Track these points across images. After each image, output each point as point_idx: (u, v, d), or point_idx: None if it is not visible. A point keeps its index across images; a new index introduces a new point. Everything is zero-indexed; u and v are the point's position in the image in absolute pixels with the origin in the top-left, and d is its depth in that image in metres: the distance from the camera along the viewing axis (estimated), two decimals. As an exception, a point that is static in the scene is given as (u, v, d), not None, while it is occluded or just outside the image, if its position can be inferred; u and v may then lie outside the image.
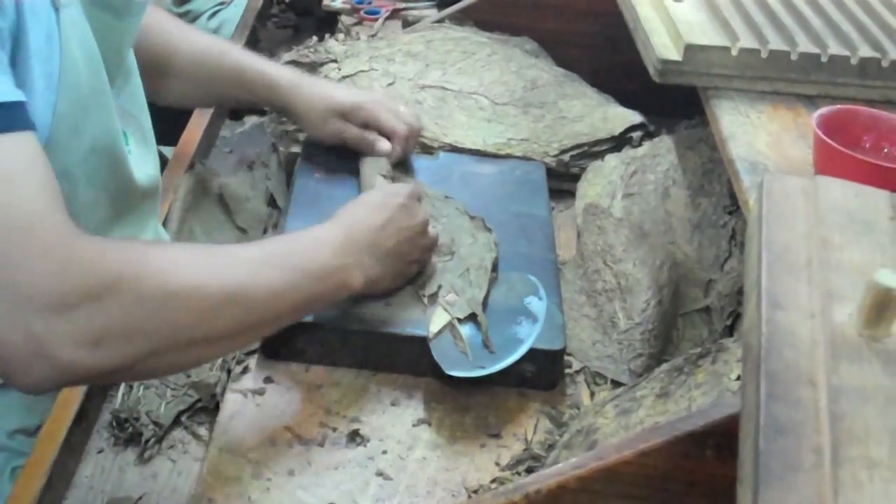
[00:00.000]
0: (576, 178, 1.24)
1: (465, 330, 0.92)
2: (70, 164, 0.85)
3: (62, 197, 0.71)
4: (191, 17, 1.77)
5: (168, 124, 1.16)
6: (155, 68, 1.07)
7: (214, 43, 1.15)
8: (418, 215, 0.95)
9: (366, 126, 1.13)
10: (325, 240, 0.86)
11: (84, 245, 0.69)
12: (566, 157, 1.25)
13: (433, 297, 0.94)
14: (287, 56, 1.38)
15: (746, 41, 1.01)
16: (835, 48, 1.00)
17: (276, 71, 1.14)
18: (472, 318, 0.93)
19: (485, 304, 0.95)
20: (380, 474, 0.82)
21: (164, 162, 1.12)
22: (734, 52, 1.00)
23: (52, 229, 0.68)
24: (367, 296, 0.92)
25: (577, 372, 0.97)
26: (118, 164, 0.92)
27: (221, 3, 1.80)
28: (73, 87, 0.82)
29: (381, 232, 0.90)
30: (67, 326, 0.67)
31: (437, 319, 0.92)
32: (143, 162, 0.98)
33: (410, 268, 0.95)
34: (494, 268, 0.99)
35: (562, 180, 1.25)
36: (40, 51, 0.78)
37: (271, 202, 1.20)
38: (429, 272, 0.98)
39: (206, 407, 0.90)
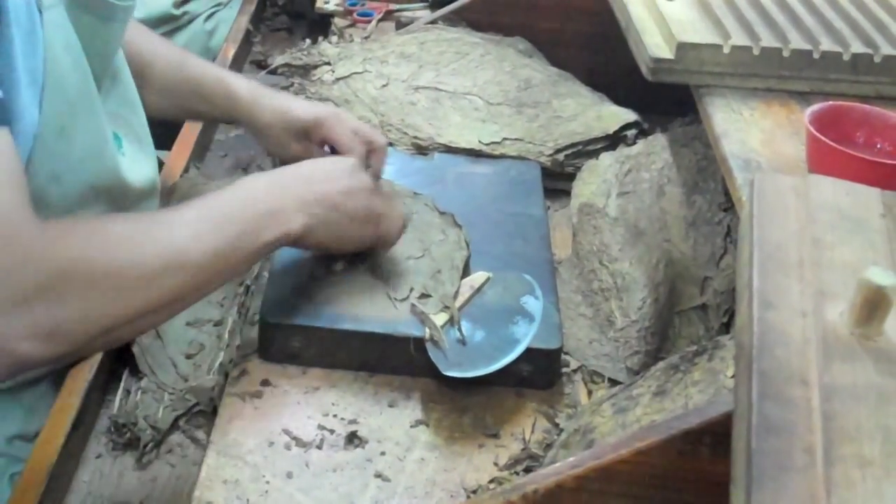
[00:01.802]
0: (571, 177, 1.24)
1: (465, 327, 0.92)
2: (59, 168, 0.85)
3: (27, 191, 0.72)
4: (188, 19, 1.76)
5: (163, 128, 1.16)
6: (135, 79, 1.06)
7: (177, 54, 1.13)
8: (361, 179, 0.92)
9: (324, 144, 1.11)
10: (258, 185, 0.85)
11: (38, 236, 0.70)
12: (561, 157, 1.26)
13: (405, 299, 0.94)
14: (280, 59, 1.38)
15: (738, 39, 1.01)
16: (827, 44, 1.01)
17: (235, 82, 1.12)
18: (450, 319, 0.92)
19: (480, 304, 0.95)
20: (378, 476, 0.82)
21: (159, 166, 1.12)
22: (726, 50, 1.01)
23: (13, 224, 0.69)
24: (320, 251, 0.92)
25: (575, 371, 0.97)
26: (109, 168, 0.92)
27: (218, 5, 1.79)
28: (59, 89, 0.82)
29: (315, 177, 0.89)
30: (24, 322, 0.68)
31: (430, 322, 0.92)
32: (137, 164, 0.97)
33: (356, 227, 0.91)
34: (466, 267, 0.99)
35: (557, 179, 1.25)
36: (23, 46, 0.78)
37: (267, 205, 1.20)
38: (394, 264, 0.97)
39: (204, 411, 0.90)
